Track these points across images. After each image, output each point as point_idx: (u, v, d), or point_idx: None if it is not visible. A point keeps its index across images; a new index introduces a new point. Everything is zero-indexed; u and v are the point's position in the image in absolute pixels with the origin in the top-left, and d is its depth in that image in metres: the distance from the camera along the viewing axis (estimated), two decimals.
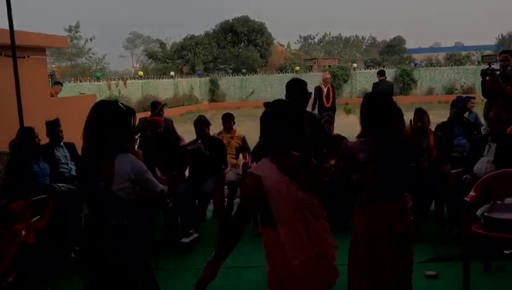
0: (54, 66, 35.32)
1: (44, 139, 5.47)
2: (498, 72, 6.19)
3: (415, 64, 29.31)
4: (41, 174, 5.01)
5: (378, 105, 2.93)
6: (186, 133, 8.30)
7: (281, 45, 44.41)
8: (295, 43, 55.41)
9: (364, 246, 2.94)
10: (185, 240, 5.05)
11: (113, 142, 2.64)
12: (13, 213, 3.86)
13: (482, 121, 6.88)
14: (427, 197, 5.17)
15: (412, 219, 3.06)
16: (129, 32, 58.68)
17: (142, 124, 6.21)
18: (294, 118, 2.40)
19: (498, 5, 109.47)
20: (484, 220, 3.87)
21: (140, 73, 27.75)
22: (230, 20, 36.92)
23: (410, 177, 3.42)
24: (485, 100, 6.70)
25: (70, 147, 5.71)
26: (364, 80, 26.37)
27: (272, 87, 26.57)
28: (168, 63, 34.09)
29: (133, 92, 22.32)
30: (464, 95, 7.96)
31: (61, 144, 5.63)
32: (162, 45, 39.86)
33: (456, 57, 32.79)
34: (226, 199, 6.13)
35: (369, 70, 28.40)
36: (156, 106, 6.98)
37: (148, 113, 6.92)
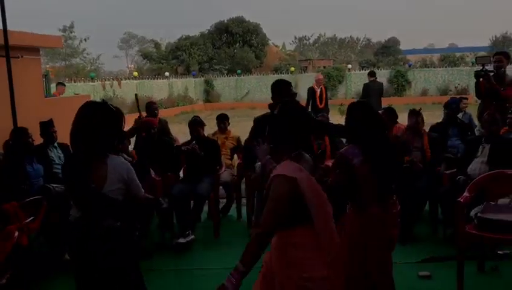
0: (48, 66, 35.20)
1: (38, 140, 5.44)
2: (492, 74, 6.23)
3: (410, 66, 29.40)
4: (35, 175, 4.99)
5: (365, 112, 3.09)
6: (181, 133, 8.30)
7: (276, 46, 44.45)
8: (290, 44, 55.51)
9: (360, 246, 2.97)
10: (182, 240, 5.04)
11: (105, 143, 2.62)
12: (6, 214, 3.84)
13: (476, 122, 6.91)
14: (422, 198, 5.19)
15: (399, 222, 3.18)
16: (124, 33, 58.57)
17: (136, 125, 6.20)
18: (306, 120, 2.44)
19: (492, 7, 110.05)
20: (478, 220, 3.88)
21: (135, 73, 27.69)
22: (225, 21, 36.93)
23: (401, 178, 3.57)
24: (479, 101, 6.74)
25: (64, 147, 5.69)
26: (359, 81, 26.39)
27: (267, 88, 26.47)
28: (162, 64, 34.05)
29: (127, 93, 22.25)
30: (458, 96, 7.99)
31: (55, 144, 5.61)
32: (157, 45, 39.80)
33: (450, 58, 32.95)
34: (220, 200, 6.14)
35: (363, 71, 28.42)
36: (151, 106, 6.98)
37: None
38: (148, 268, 4.32)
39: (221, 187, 6.05)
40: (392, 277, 3.15)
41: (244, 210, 6.13)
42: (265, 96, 23.54)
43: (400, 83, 26.56)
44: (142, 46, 51.04)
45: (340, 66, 31.06)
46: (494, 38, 46.32)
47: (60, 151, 5.61)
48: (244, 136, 6.60)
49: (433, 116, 9.62)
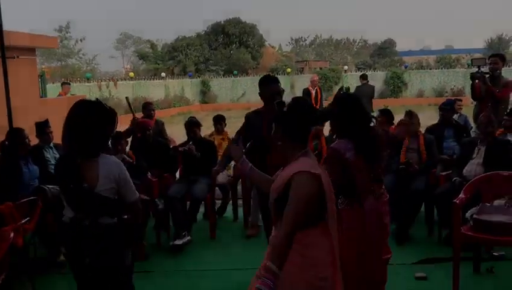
0: (43, 66, 35.07)
1: (33, 140, 5.42)
2: (487, 75, 6.25)
3: (406, 67, 29.48)
4: (30, 176, 4.96)
5: (356, 106, 3.15)
6: (177, 134, 8.28)
7: (272, 47, 44.51)
8: (286, 45, 55.58)
9: (359, 239, 3.00)
10: (178, 242, 5.03)
11: (97, 142, 2.59)
12: (2, 215, 3.82)
13: (472, 123, 6.94)
14: (418, 199, 5.20)
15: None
16: (120, 33, 58.38)
17: (132, 126, 6.19)
18: (314, 117, 2.47)
19: (487, 9, 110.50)
20: (473, 222, 3.90)
21: (131, 74, 27.65)
22: (222, 22, 36.94)
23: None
24: (475, 103, 6.76)
25: (60, 148, 5.68)
26: (355, 82, 26.34)
27: None
28: (159, 64, 34.02)
29: (123, 93, 22.17)
30: (453, 98, 8.02)
31: (51, 145, 5.59)
32: (153, 45, 39.75)
33: (446, 60, 33.07)
34: (216, 201, 6.13)
35: (360, 72, 28.51)
36: (147, 107, 6.96)
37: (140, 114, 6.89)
38: (144, 269, 4.32)
39: (217, 188, 6.04)
40: (386, 266, 3.20)
41: (240, 211, 6.13)
42: None
43: (396, 85, 26.62)
44: (138, 47, 50.89)
45: (337, 67, 31.12)
46: (489, 40, 46.52)
47: (55, 152, 5.59)
48: None
49: (429, 118, 9.65)
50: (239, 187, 6.23)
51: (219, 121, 6.62)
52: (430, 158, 5.33)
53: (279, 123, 2.44)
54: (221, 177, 6.06)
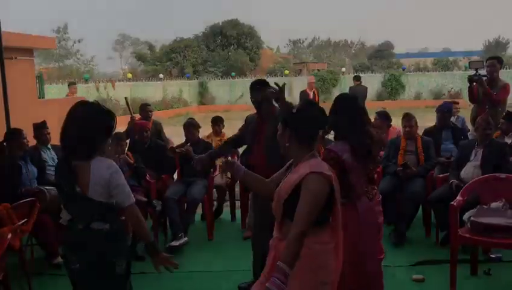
0: (41, 67, 35.04)
1: (31, 141, 5.42)
2: (485, 78, 6.26)
3: (403, 69, 29.54)
4: (28, 177, 4.95)
5: (352, 108, 3.18)
6: (175, 135, 8.28)
7: (270, 49, 44.55)
8: (284, 47, 55.67)
9: (355, 240, 3.00)
10: (175, 243, 5.03)
11: (92, 145, 2.53)
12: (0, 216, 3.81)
13: (469, 126, 6.95)
14: (415, 201, 5.20)
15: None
16: (118, 34, 58.40)
17: (130, 127, 6.19)
18: (324, 119, 2.47)
19: (485, 11, 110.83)
20: (471, 224, 3.91)
21: (129, 75, 27.64)
22: (220, 23, 36.95)
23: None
24: (472, 105, 6.78)
25: (58, 149, 5.67)
26: (353, 84, 26.50)
27: None
28: (157, 66, 34.02)
29: (121, 94, 22.14)
30: (450, 100, 8.03)
31: (49, 146, 5.58)
32: (151, 47, 39.75)
33: (443, 63, 33.15)
34: (214, 203, 6.13)
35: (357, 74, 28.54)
36: (145, 108, 6.96)
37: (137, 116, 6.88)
38: (141, 271, 4.30)
39: (214, 190, 6.04)
40: (381, 265, 3.21)
41: (237, 213, 6.13)
42: None
43: (394, 87, 26.68)
44: (136, 48, 50.91)
45: (334, 69, 31.16)
46: (487, 43, 46.66)
47: (53, 153, 5.58)
48: None
49: (426, 120, 9.66)
50: (237, 189, 6.23)
51: (217, 123, 6.62)
52: (427, 160, 5.34)
53: (287, 125, 2.43)
54: (219, 179, 6.06)
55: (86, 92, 20.58)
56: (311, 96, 11.58)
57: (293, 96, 26.21)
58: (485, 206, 4.04)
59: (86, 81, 23.17)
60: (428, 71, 29.39)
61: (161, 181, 5.65)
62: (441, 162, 5.42)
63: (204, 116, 12.03)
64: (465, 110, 9.01)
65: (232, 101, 27.96)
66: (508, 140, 5.42)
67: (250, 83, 4.13)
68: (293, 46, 56.60)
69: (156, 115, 13.03)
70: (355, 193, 3.03)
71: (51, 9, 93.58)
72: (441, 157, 5.53)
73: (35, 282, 4.23)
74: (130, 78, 26.54)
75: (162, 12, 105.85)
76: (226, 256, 4.94)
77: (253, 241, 4.06)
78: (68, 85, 13.20)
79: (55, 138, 5.62)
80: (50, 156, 5.55)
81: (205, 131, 6.85)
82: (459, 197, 4.15)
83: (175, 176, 6.01)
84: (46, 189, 4.47)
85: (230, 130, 7.48)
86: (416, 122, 5.47)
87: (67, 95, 12.19)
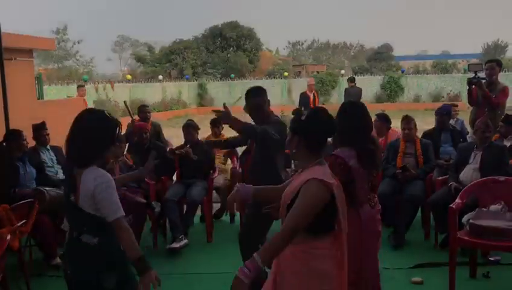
0: (40, 68, 35.04)
1: (30, 142, 5.42)
2: (484, 81, 6.27)
3: (403, 72, 29.58)
4: (27, 178, 4.95)
5: (364, 115, 3.12)
6: (174, 137, 8.28)
7: (270, 51, 44.58)
8: (284, 49, 55.74)
9: (357, 247, 2.99)
10: (174, 245, 5.02)
11: (90, 153, 2.50)
12: None
13: (468, 128, 6.96)
14: (414, 204, 5.21)
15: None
16: (117, 36, 58.43)
17: (129, 130, 6.19)
18: (333, 127, 2.45)
19: (484, 15, 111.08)
20: (470, 227, 3.91)
21: (128, 76, 27.63)
22: (219, 25, 36.97)
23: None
24: (471, 108, 6.79)
25: (57, 150, 5.67)
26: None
27: None
28: (156, 67, 34.02)
29: (120, 96, 22.18)
30: (449, 103, 8.04)
31: (48, 147, 5.58)
32: (151, 48, 39.77)
33: (442, 65, 33.20)
34: (213, 204, 6.13)
35: (357, 76, 28.57)
36: (143, 110, 6.96)
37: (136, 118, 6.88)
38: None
39: (214, 191, 6.04)
40: (378, 271, 3.21)
41: (237, 214, 6.13)
42: None
43: (393, 89, 26.71)
44: (135, 49, 50.95)
45: (334, 71, 31.19)
46: (485, 46, 46.77)
47: (52, 154, 5.59)
48: None
49: (425, 123, 9.68)
50: None
51: (216, 125, 6.62)
52: (426, 163, 5.34)
53: (296, 132, 2.43)
54: (218, 180, 6.06)
55: (85, 92, 20.57)
56: (311, 98, 11.57)
57: (292, 98, 26.33)
58: (484, 209, 4.05)
59: (85, 82, 23.15)
60: (427, 74, 29.43)
61: (160, 183, 5.65)
62: (440, 165, 5.43)
63: (204, 118, 12.03)
64: (464, 113, 9.02)
65: (231, 102, 27.87)
66: (507, 143, 5.43)
67: (249, 86, 4.08)
68: (292, 48, 56.69)
69: (155, 117, 13.05)
70: (358, 200, 3.01)
71: (51, 11, 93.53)
72: (440, 159, 5.54)
73: (34, 283, 4.22)
74: (129, 80, 26.52)
75: (161, 13, 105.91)
76: (225, 258, 4.94)
77: (241, 241, 3.98)
78: (77, 87, 13.37)
79: (54, 139, 5.63)
80: (49, 157, 5.55)
81: (204, 133, 6.85)
82: (458, 200, 4.15)
83: (174, 177, 6.01)
84: (46, 190, 4.46)
85: (229, 131, 7.48)
86: (415, 125, 5.47)
87: (76, 97, 12.35)
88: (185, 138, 5.78)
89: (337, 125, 2.47)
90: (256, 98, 3.84)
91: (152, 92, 25.11)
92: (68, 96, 16.71)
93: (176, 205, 5.29)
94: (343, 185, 2.49)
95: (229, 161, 6.68)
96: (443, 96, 25.10)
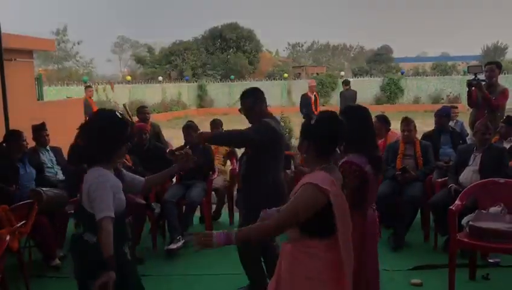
0: (40, 68, 35.05)
1: (30, 143, 5.42)
2: (483, 83, 6.28)
3: (402, 73, 29.60)
4: (27, 178, 4.95)
5: (366, 118, 3.07)
6: (174, 138, 8.28)
7: (270, 52, 44.59)
8: (283, 50, 55.76)
9: (361, 249, 3.00)
10: (173, 246, 5.02)
11: (95, 153, 2.53)
12: None
13: (468, 130, 6.96)
14: (413, 206, 5.21)
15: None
16: (117, 37, 58.47)
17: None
18: (344, 132, 2.43)
19: (483, 16, 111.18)
20: (469, 228, 3.91)
21: (128, 77, 27.63)
22: (219, 27, 37.00)
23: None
24: (471, 110, 6.79)
25: (57, 150, 5.67)
26: (351, 87, 26.53)
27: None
28: (156, 68, 34.03)
29: (120, 97, 22.18)
30: (449, 105, 8.04)
31: (47, 147, 5.58)
32: (150, 49, 39.77)
33: (442, 67, 33.22)
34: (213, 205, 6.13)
35: (356, 78, 28.60)
36: (142, 111, 6.96)
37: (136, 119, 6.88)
38: (139, 274, 4.30)
39: (212, 192, 6.03)
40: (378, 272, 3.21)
41: (236, 215, 6.12)
42: None
43: (393, 91, 26.72)
44: (135, 51, 50.97)
45: (333, 73, 31.20)
46: (485, 48, 46.80)
47: (52, 155, 5.58)
48: None
49: (425, 125, 9.68)
50: (235, 192, 6.22)
51: (216, 126, 6.62)
52: (426, 164, 5.34)
53: (306, 137, 2.43)
54: (218, 181, 6.06)
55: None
56: (312, 99, 11.59)
57: (292, 100, 26.34)
58: (483, 211, 4.05)
59: (85, 83, 23.15)
60: (427, 75, 29.45)
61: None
62: (440, 166, 5.43)
63: (203, 119, 12.04)
64: (463, 115, 9.03)
65: (230, 104, 27.96)
66: (506, 145, 5.44)
67: (248, 87, 4.05)
68: (292, 49, 56.73)
69: (155, 118, 13.07)
70: (365, 205, 3.00)
71: (51, 11, 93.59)
72: (439, 161, 5.54)
73: (33, 284, 4.22)
74: (129, 81, 26.53)
75: (161, 14, 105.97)
76: (225, 259, 4.93)
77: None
78: (85, 88, 13.52)
79: (54, 140, 5.62)
80: (49, 158, 5.54)
81: None
82: (457, 202, 4.15)
83: (174, 178, 6.00)
84: (43, 190, 4.45)
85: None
86: (415, 127, 5.47)
87: (85, 98, 12.44)
88: (184, 139, 5.78)
89: (346, 131, 2.43)
90: (246, 100, 3.84)
91: (152, 93, 25.11)
92: (68, 97, 16.73)
93: (175, 206, 5.29)
94: (356, 190, 2.48)
95: (228, 163, 6.68)
96: (443, 98, 25.13)
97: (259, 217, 2.59)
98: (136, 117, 6.92)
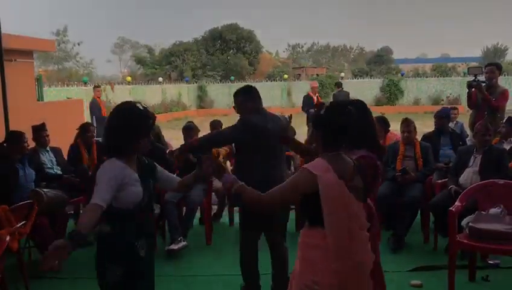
0: (40, 69, 35.07)
1: (30, 144, 5.42)
2: (484, 84, 6.29)
3: (402, 74, 29.61)
4: (27, 179, 4.95)
5: (368, 114, 2.92)
6: (174, 139, 8.28)
7: (270, 53, 44.62)
8: (283, 51, 55.78)
9: None
10: (173, 247, 5.01)
11: (113, 144, 2.58)
12: None
13: (468, 131, 6.96)
14: (413, 207, 5.20)
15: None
16: (117, 37, 58.49)
17: None
18: (350, 123, 2.41)
19: (483, 18, 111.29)
20: (469, 230, 3.91)
21: (128, 78, 27.64)
22: (219, 28, 37.03)
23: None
24: (470, 111, 6.80)
25: (57, 151, 5.66)
26: (351, 89, 26.53)
27: (260, 94, 26.43)
28: (156, 69, 34.05)
29: (120, 97, 22.15)
30: (449, 106, 8.05)
31: (47, 148, 5.58)
32: (150, 50, 39.79)
33: (442, 68, 33.23)
34: (212, 206, 6.12)
35: (356, 79, 28.63)
36: None
37: None
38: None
39: (213, 193, 6.03)
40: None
41: (236, 217, 6.12)
42: None
43: (393, 92, 26.74)
44: (135, 51, 50.98)
45: (333, 74, 31.22)
46: (485, 49, 46.82)
47: (52, 155, 5.58)
48: None
49: (425, 126, 9.68)
50: None
51: (216, 127, 6.62)
52: (426, 166, 5.34)
53: (315, 127, 2.47)
54: (218, 182, 6.05)
55: (85, 94, 20.58)
56: (315, 100, 11.68)
57: (292, 101, 26.35)
58: (483, 212, 4.05)
59: (85, 84, 23.16)
60: (427, 77, 29.46)
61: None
62: (440, 168, 5.43)
63: (203, 120, 12.04)
64: (463, 116, 9.03)
65: (231, 105, 27.78)
66: (506, 146, 5.44)
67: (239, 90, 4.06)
68: (292, 50, 56.74)
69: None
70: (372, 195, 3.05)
71: (51, 12, 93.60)
72: (439, 162, 5.54)
73: (33, 284, 4.22)
74: (129, 82, 26.53)
75: (161, 15, 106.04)
76: (225, 260, 4.93)
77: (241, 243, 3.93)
78: (93, 88, 13.66)
79: (54, 140, 5.62)
80: (48, 158, 5.54)
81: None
82: (457, 203, 4.15)
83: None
84: (43, 191, 4.45)
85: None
86: (415, 128, 5.47)
87: (93, 98, 12.54)
88: (184, 140, 5.78)
89: (353, 121, 2.42)
90: (237, 98, 3.91)
91: (152, 94, 25.10)
92: (68, 98, 16.73)
93: (175, 206, 5.28)
94: (370, 183, 2.51)
95: (228, 163, 6.68)
96: (443, 100, 25.15)
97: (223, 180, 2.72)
98: None
